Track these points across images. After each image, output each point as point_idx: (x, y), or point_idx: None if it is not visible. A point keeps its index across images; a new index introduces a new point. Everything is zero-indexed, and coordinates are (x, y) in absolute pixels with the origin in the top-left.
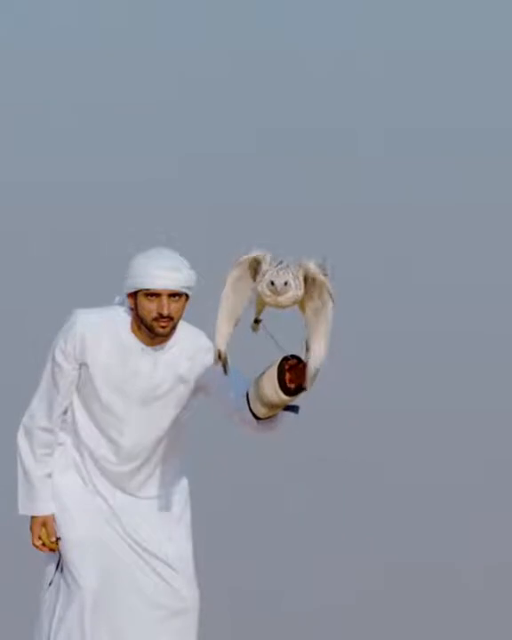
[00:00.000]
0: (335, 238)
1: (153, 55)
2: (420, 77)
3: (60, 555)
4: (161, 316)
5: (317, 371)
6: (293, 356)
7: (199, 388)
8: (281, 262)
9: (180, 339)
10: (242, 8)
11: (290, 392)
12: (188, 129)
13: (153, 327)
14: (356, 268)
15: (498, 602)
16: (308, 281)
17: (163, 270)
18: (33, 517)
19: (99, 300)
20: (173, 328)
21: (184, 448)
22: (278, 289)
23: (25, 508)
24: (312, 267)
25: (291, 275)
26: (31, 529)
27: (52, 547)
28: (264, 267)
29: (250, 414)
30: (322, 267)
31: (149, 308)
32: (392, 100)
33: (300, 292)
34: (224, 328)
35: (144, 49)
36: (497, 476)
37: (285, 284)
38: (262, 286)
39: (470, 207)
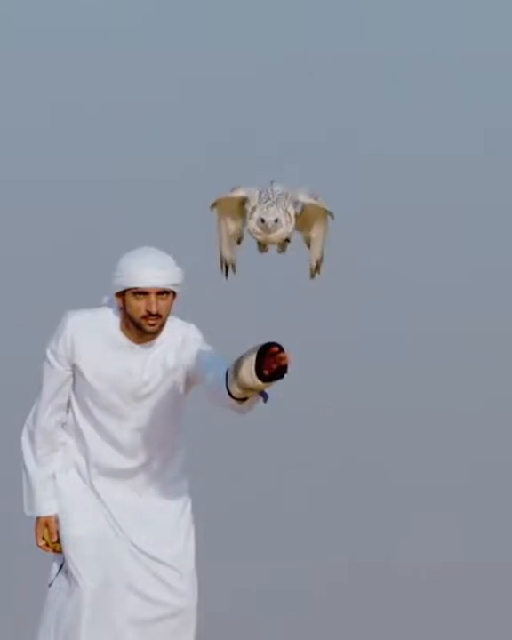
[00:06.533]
0: (335, 238)
1: (153, 55)
2: (421, 78)
3: (63, 556)
4: (149, 314)
5: (319, 262)
6: (274, 344)
7: (188, 376)
8: (269, 199)
9: (168, 334)
10: (242, 8)
11: (265, 378)
12: (188, 129)
13: (142, 325)
14: (356, 267)
15: (502, 601)
16: (301, 212)
17: (150, 269)
18: (36, 518)
19: (98, 300)
20: (162, 325)
21: (184, 446)
22: (269, 226)
23: (28, 509)
24: (303, 196)
25: (281, 211)
26: (34, 529)
27: (55, 547)
28: (252, 203)
29: (226, 392)
30: (313, 195)
31: (138, 306)
32: (393, 101)
33: (290, 228)
34: (227, 251)
35: (144, 49)
36: (498, 478)
37: (276, 221)
38: (252, 224)
39: (472, 208)
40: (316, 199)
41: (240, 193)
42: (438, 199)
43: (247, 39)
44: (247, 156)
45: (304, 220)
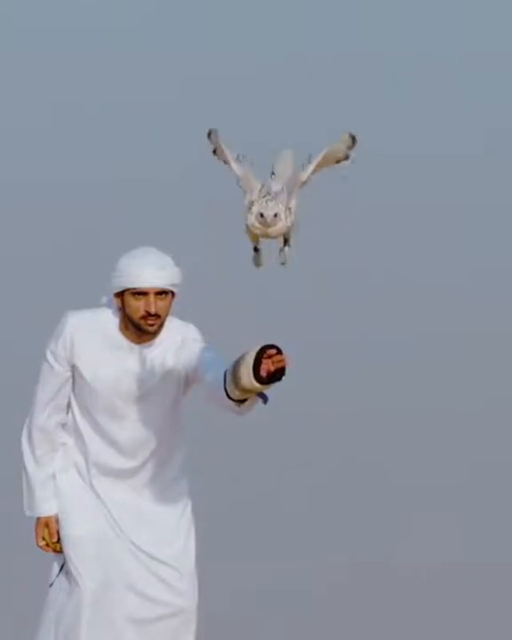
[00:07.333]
0: (336, 239)
1: (153, 55)
2: (421, 78)
3: (64, 556)
4: (148, 315)
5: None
6: (272, 346)
7: (187, 376)
8: (268, 194)
9: (167, 334)
10: (242, 8)
11: (263, 380)
12: (188, 129)
13: (141, 325)
14: (356, 267)
15: (502, 601)
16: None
17: (148, 269)
18: (36, 518)
19: (98, 300)
20: (161, 326)
21: (184, 446)
22: (268, 221)
23: (28, 509)
24: (306, 174)
25: (281, 206)
26: (35, 530)
27: (55, 547)
28: (250, 198)
29: (225, 394)
30: (306, 166)
31: (137, 306)
32: (393, 101)
33: (289, 223)
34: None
35: (144, 49)
36: (498, 478)
37: (275, 216)
38: (251, 219)
39: (472, 208)
40: (317, 158)
41: (237, 170)
42: (438, 199)
43: (247, 39)
44: (247, 156)
45: (330, 158)
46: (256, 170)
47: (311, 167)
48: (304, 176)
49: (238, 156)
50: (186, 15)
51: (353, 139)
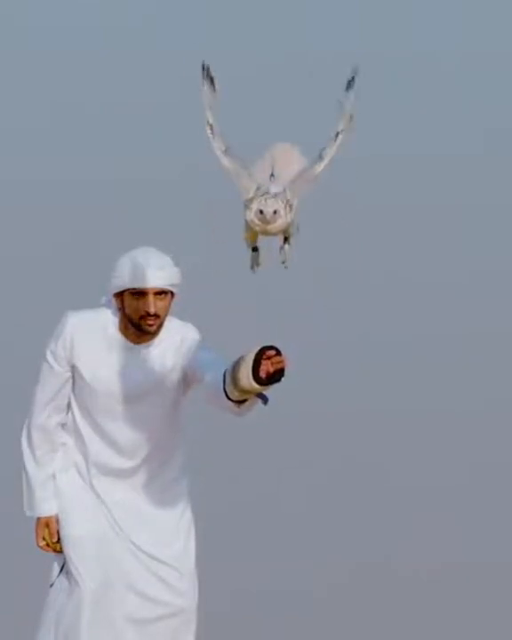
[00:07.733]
0: (336, 239)
1: (153, 55)
2: (421, 78)
3: (64, 556)
4: (148, 315)
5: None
6: (271, 347)
7: (186, 376)
8: (268, 191)
9: (166, 334)
10: (242, 8)
11: (262, 381)
12: (188, 129)
13: (140, 326)
14: (356, 267)
15: (502, 601)
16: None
17: (147, 269)
18: (37, 518)
19: (98, 300)
20: (160, 326)
21: (184, 446)
22: (268, 218)
23: (28, 509)
24: (319, 166)
25: (280, 203)
26: (35, 530)
27: (55, 547)
28: (248, 195)
29: (224, 395)
30: (320, 156)
31: (136, 306)
32: (393, 101)
33: (289, 219)
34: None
35: (144, 49)
36: (498, 478)
37: (274, 212)
38: (250, 216)
39: (472, 208)
40: (332, 149)
41: (226, 163)
42: (438, 199)
43: (247, 39)
44: (247, 156)
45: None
46: (251, 167)
47: (324, 162)
48: (317, 170)
49: (227, 149)
50: (186, 15)
51: (352, 78)
